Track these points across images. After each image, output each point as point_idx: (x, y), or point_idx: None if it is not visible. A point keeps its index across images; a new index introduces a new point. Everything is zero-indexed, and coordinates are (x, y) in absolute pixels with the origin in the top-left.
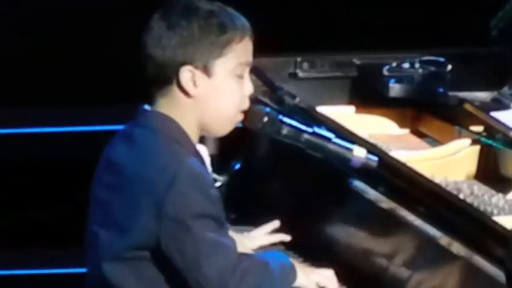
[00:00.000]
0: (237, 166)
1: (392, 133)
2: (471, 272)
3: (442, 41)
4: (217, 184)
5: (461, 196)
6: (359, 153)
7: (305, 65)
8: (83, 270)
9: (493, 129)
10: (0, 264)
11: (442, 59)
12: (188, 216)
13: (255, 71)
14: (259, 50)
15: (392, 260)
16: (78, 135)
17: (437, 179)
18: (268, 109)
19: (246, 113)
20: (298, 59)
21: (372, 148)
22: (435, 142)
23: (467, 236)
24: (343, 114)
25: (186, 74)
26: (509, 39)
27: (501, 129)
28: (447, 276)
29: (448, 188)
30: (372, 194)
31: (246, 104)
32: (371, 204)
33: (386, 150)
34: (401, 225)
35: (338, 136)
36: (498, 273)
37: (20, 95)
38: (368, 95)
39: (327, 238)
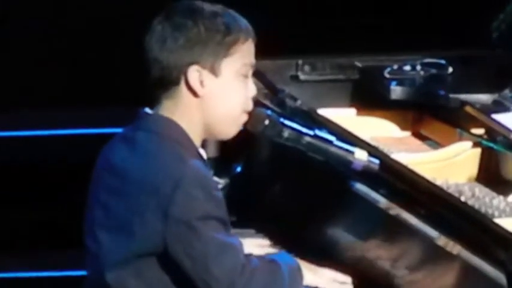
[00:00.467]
0: (238, 169)
1: (394, 135)
2: (472, 274)
3: (444, 43)
4: (219, 187)
5: (462, 198)
6: (360, 155)
7: (306, 68)
8: (83, 273)
9: (494, 132)
10: (2, 267)
11: (443, 62)
12: (194, 218)
13: (257, 73)
14: (260, 52)
15: (393, 262)
16: (76, 137)
17: (439, 181)
18: (269, 112)
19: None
20: (300, 62)
21: (373, 151)
22: (436, 144)
23: (468, 238)
24: (344, 116)
25: (194, 74)
26: (510, 42)
27: (502, 131)
28: (448, 278)
29: (450, 191)
30: (373, 196)
31: (250, 105)
32: (372, 206)
33: (388, 153)
34: (402, 227)
35: (339, 139)
36: (499, 276)
37: (19, 97)
38: (369, 98)
39: (328, 241)
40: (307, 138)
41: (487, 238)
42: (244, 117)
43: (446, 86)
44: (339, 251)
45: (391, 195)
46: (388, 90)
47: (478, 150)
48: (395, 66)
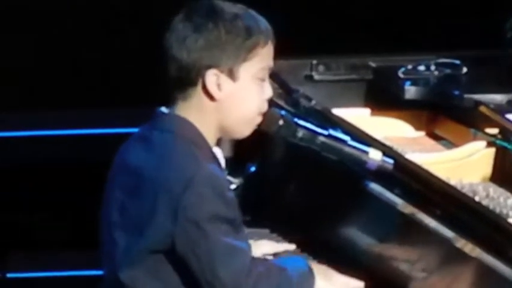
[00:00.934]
0: (252, 169)
1: (408, 135)
2: (487, 273)
3: (458, 43)
4: (233, 186)
5: (476, 198)
6: (375, 155)
7: (321, 68)
8: (97, 272)
9: (508, 132)
10: (17, 267)
11: (457, 62)
12: (204, 219)
13: (271, 73)
14: (275, 52)
15: (407, 262)
16: (89, 138)
17: (453, 181)
18: (283, 112)
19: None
20: (314, 62)
21: (387, 150)
22: (450, 144)
23: (482, 238)
24: (358, 116)
25: (211, 77)
26: None
27: None
28: (463, 277)
29: (464, 190)
30: (387, 196)
31: (265, 107)
32: (387, 206)
33: (402, 153)
34: (417, 227)
35: (353, 139)
36: None
37: (29, 97)
38: (383, 98)
39: (342, 241)
40: (322, 138)
41: (501, 238)
42: (259, 119)
43: (461, 86)
44: (352, 252)
45: (406, 195)
46: (402, 90)
47: (492, 150)
48: (409, 66)
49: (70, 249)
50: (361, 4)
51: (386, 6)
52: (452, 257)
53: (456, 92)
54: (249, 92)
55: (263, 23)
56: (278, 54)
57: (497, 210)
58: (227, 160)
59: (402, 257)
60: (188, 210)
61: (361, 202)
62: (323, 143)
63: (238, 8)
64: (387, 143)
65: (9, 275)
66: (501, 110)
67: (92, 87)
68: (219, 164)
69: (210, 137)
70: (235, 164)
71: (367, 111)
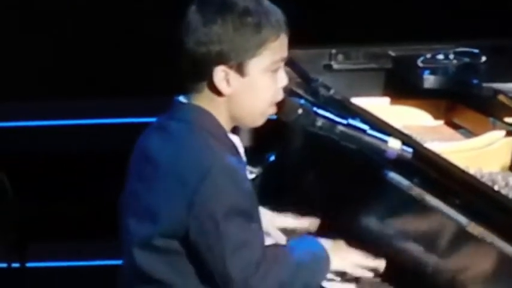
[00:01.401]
0: (272, 158)
1: (427, 124)
2: (506, 262)
3: (476, 32)
4: (252, 176)
5: (496, 187)
6: (394, 144)
7: (340, 57)
8: (111, 262)
9: None
10: (32, 256)
11: (476, 50)
12: (218, 210)
13: (290, 62)
14: (294, 42)
15: (426, 251)
16: (109, 127)
17: (472, 170)
18: (302, 101)
19: (280, 105)
20: (333, 51)
21: (406, 139)
22: (469, 133)
23: (502, 227)
24: (377, 105)
25: (220, 74)
26: None
27: None
28: (481, 266)
29: (483, 180)
30: (406, 185)
31: (279, 96)
32: (406, 195)
33: (421, 142)
34: (436, 216)
35: (373, 128)
36: None
37: (49, 87)
38: (402, 87)
39: (362, 229)
40: (341, 127)
41: None
42: (273, 109)
43: (480, 74)
44: (371, 240)
45: (425, 184)
46: (421, 79)
47: None
48: (428, 55)
49: (89, 239)
50: None
51: None
52: (471, 245)
53: (475, 81)
54: (260, 86)
55: (275, 15)
56: (297, 43)
57: None
58: (246, 150)
59: (421, 245)
60: (204, 202)
61: (379, 191)
62: (342, 132)
63: (249, 2)
64: (406, 132)
65: (28, 265)
66: None
67: (113, 77)
68: (238, 153)
69: (225, 126)
70: (254, 154)
71: (386, 100)
